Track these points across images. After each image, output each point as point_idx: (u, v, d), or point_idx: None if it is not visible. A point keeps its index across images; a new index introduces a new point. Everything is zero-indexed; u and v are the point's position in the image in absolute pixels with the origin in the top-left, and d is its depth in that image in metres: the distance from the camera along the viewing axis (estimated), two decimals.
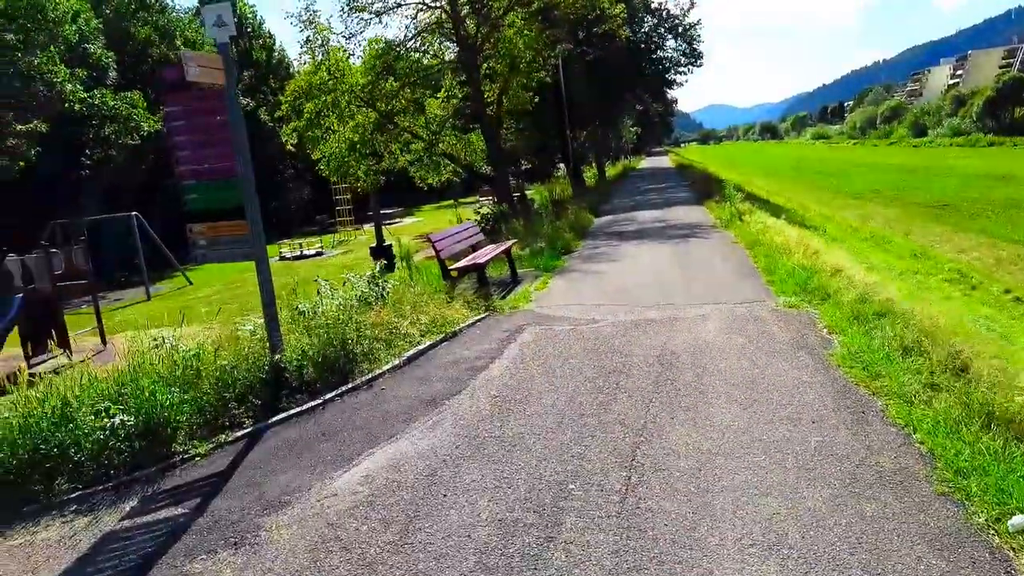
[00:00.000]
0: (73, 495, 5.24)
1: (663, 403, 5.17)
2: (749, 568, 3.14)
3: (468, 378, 6.17)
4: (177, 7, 33.82)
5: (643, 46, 34.91)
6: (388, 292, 8.24)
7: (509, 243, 10.96)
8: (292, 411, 6.06)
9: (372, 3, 19.73)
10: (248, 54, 36.79)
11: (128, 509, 4.86)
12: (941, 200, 22.14)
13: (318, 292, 8.16)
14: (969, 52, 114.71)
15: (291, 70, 39.65)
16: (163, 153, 27.60)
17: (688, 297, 8.71)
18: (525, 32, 19.85)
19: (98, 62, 24.73)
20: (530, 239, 14.07)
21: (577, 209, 18.64)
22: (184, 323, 14.08)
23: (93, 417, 5.59)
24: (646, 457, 4.29)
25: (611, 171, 50.91)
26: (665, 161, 77.46)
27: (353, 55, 20.76)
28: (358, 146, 20.73)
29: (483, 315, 8.49)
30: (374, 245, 17.28)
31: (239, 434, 5.80)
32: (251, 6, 40.47)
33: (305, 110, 20.58)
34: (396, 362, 6.84)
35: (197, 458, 5.50)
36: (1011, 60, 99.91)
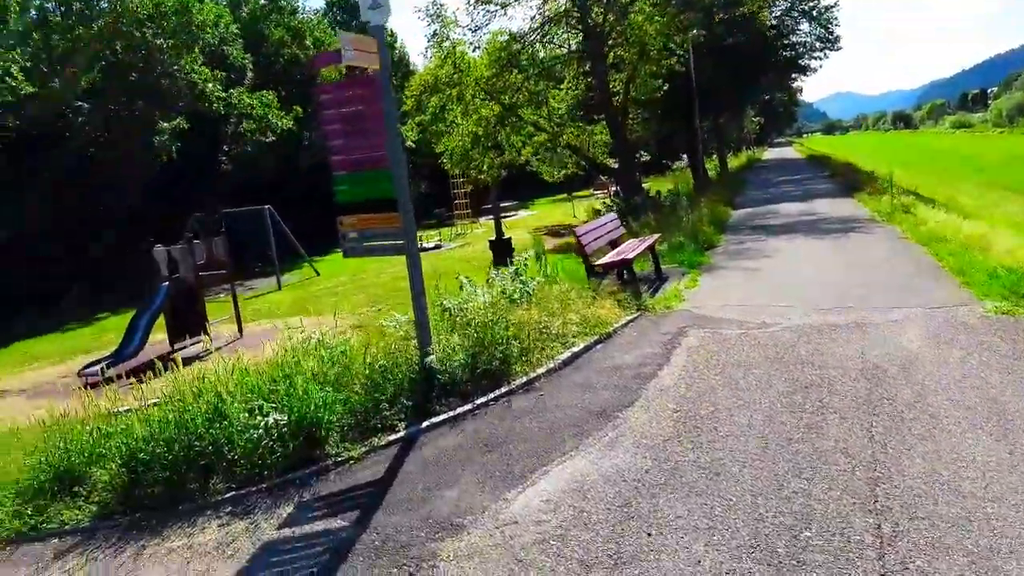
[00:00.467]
0: (227, 495, 5.05)
1: (888, 429, 4.32)
2: None
3: (637, 387, 5.53)
4: (307, 8, 35.07)
5: (775, 30, 32.78)
6: (534, 289, 7.73)
7: (653, 238, 10.20)
8: (444, 415, 5.65)
9: None
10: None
11: (285, 515, 4.58)
12: None
13: (460, 288, 7.77)
14: None
15: (411, 67, 40.34)
16: (293, 148, 28.74)
17: (866, 299, 7.66)
18: (656, 18, 18.90)
19: (236, 63, 25.89)
20: (664, 233, 13.23)
21: (710, 202, 17.53)
22: (316, 314, 14.31)
23: (247, 415, 5.40)
24: (891, 499, 3.49)
25: (733, 162, 48.57)
26: (790, 152, 73.27)
27: (478, 48, 20.54)
28: (482, 139, 20.53)
29: (635, 315, 7.81)
30: (493, 238, 16.91)
31: (392, 438, 5.45)
32: None
33: (430, 104, 20.58)
34: (552, 365, 6.29)
35: (351, 462, 5.19)
36: None
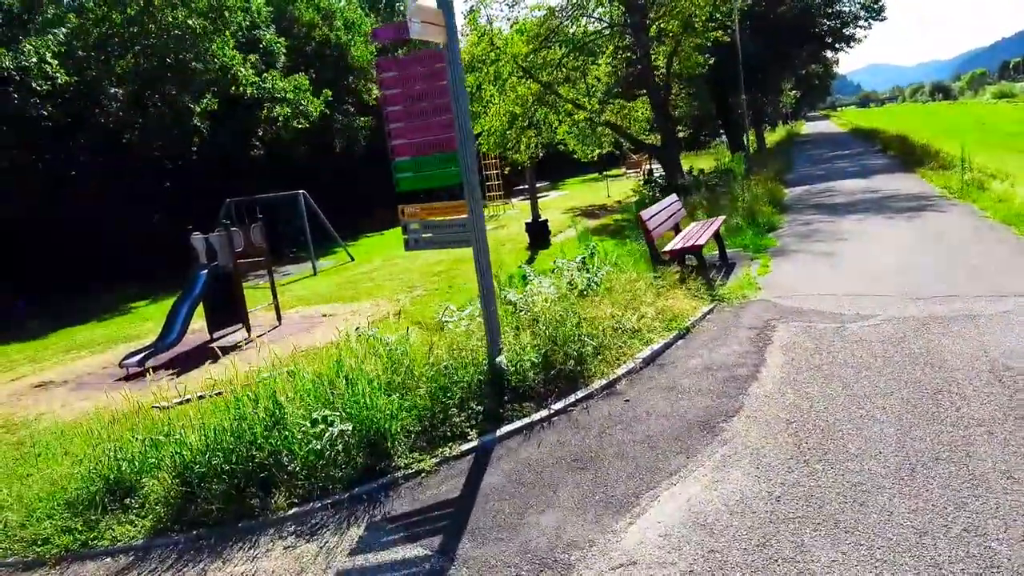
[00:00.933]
0: (290, 511, 4.64)
1: None
2: None
3: (736, 392, 4.97)
4: None
5: None
6: (601, 279, 7.18)
7: (718, 220, 9.53)
8: (519, 422, 5.17)
9: None
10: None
11: (356, 539, 4.15)
12: None
13: (524, 279, 7.26)
14: None
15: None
16: (324, 131, 28.34)
17: (966, 287, 6.97)
18: None
19: (269, 47, 25.49)
20: (716, 214, 12.55)
21: (761, 180, 16.71)
22: (353, 300, 13.93)
23: (309, 425, 4.97)
24: None
25: (771, 138, 47.19)
26: (828, 126, 71.02)
27: (516, 23, 19.80)
28: (519, 119, 19.86)
29: (710, 306, 7.22)
30: (529, 220, 16.37)
31: (464, 448, 4.99)
32: None
33: (466, 83, 19.94)
34: (631, 365, 5.76)
35: (422, 475, 4.74)
36: None
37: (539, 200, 29.28)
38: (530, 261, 12.83)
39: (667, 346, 6.15)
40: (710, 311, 7.09)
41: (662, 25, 19.41)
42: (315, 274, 19.11)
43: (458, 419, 5.25)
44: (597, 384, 5.52)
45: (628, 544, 3.37)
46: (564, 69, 19.92)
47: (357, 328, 6.41)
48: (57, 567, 4.55)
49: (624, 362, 5.82)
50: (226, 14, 21.67)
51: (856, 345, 5.59)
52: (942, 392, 4.54)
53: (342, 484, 4.80)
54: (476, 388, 5.52)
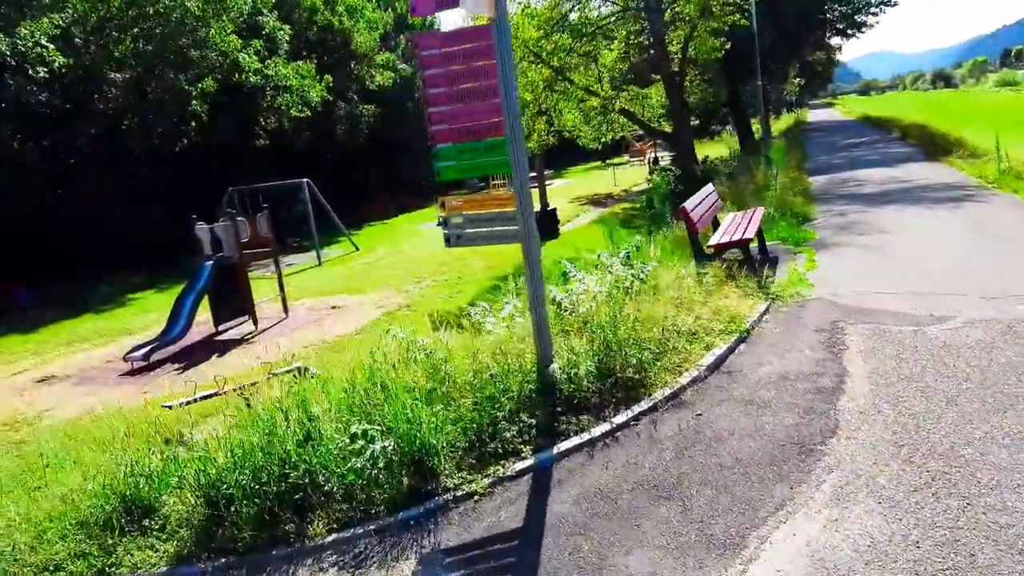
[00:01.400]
0: (329, 538, 4.14)
1: None
2: None
3: (825, 408, 4.46)
4: None
5: None
6: (647, 276, 6.66)
7: (758, 212, 9.00)
8: (577, 439, 4.67)
9: None
10: (405, 17, 36.12)
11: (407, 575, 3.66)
12: None
13: (564, 275, 6.75)
14: None
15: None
16: (327, 121, 27.68)
17: None
18: None
19: (272, 34, 24.79)
20: (742, 204, 12.05)
21: (785, 169, 16.20)
22: (359, 292, 13.43)
23: (348, 440, 4.47)
24: None
25: (776, 126, 46.57)
26: (831, 114, 70.30)
27: (527, 7, 19.16)
28: (530, 106, 19.27)
29: (765, 304, 6.72)
30: (537, 210, 15.85)
31: (519, 467, 4.49)
32: None
33: None
34: (696, 372, 5.26)
35: (475, 498, 4.24)
36: None
37: (547, 188, 28.71)
38: None
39: (730, 351, 5.64)
40: (766, 311, 6.59)
41: (677, 9, 18.82)
42: (320, 264, 18.66)
43: (508, 433, 4.74)
44: (660, 395, 5.01)
45: None
46: (575, 55, 19.33)
47: (389, 330, 5.87)
48: None
49: (687, 369, 5.31)
50: None
51: (944, 352, 5.09)
52: None
53: (385, 507, 4.31)
54: (525, 398, 5.03)
